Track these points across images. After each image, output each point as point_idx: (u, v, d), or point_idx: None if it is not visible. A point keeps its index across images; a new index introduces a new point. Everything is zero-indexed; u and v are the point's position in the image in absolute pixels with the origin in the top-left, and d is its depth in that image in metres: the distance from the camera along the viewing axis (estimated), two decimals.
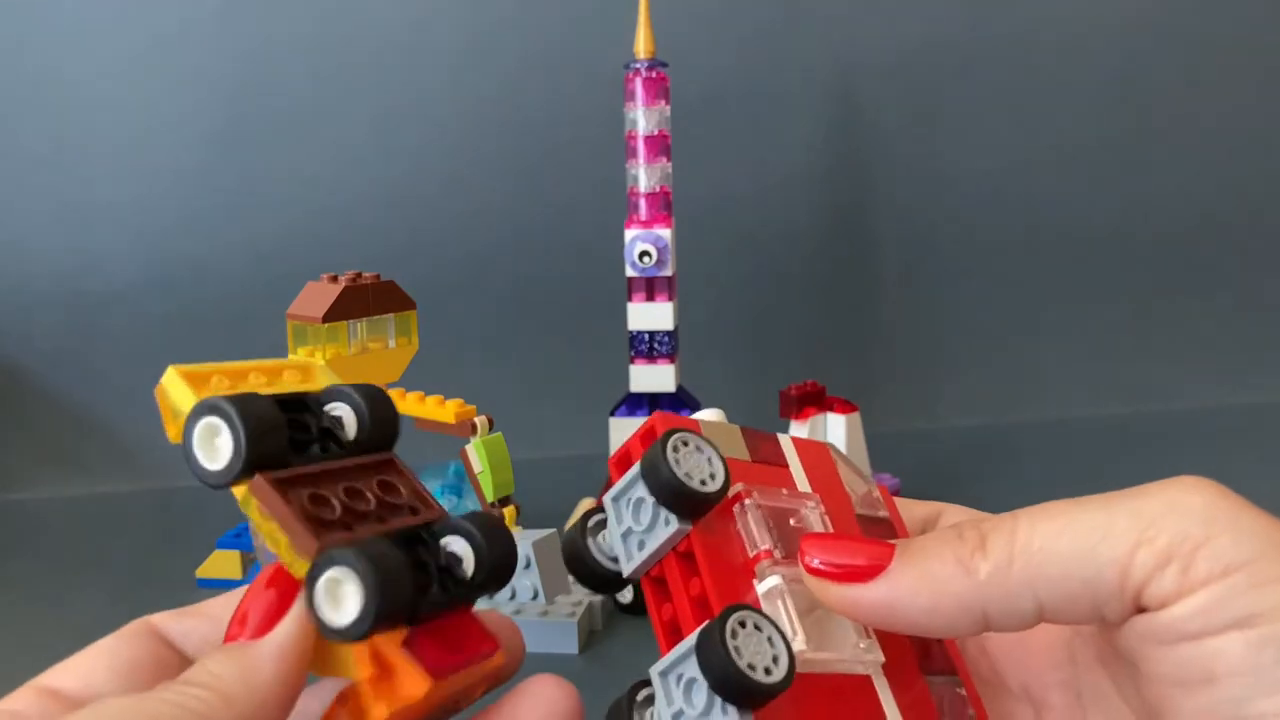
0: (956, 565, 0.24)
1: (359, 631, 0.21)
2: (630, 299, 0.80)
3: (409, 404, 0.64)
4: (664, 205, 0.80)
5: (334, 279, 0.62)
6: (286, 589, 0.22)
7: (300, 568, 0.22)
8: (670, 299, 0.79)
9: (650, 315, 0.80)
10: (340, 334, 0.62)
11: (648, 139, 0.78)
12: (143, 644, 0.23)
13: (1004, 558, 0.24)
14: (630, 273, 0.79)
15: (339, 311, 0.61)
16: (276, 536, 0.22)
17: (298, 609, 0.22)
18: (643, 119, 0.78)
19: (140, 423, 1.03)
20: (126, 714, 0.20)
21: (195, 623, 0.25)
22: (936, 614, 0.24)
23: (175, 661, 0.24)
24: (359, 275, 0.63)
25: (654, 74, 0.78)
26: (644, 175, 0.79)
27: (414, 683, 0.22)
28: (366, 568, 0.21)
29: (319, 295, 0.61)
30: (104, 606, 0.71)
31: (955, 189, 1.14)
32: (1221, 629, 0.21)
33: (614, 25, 0.92)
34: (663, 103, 0.79)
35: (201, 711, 0.20)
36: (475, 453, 0.63)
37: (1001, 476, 0.91)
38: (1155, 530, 0.22)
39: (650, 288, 0.80)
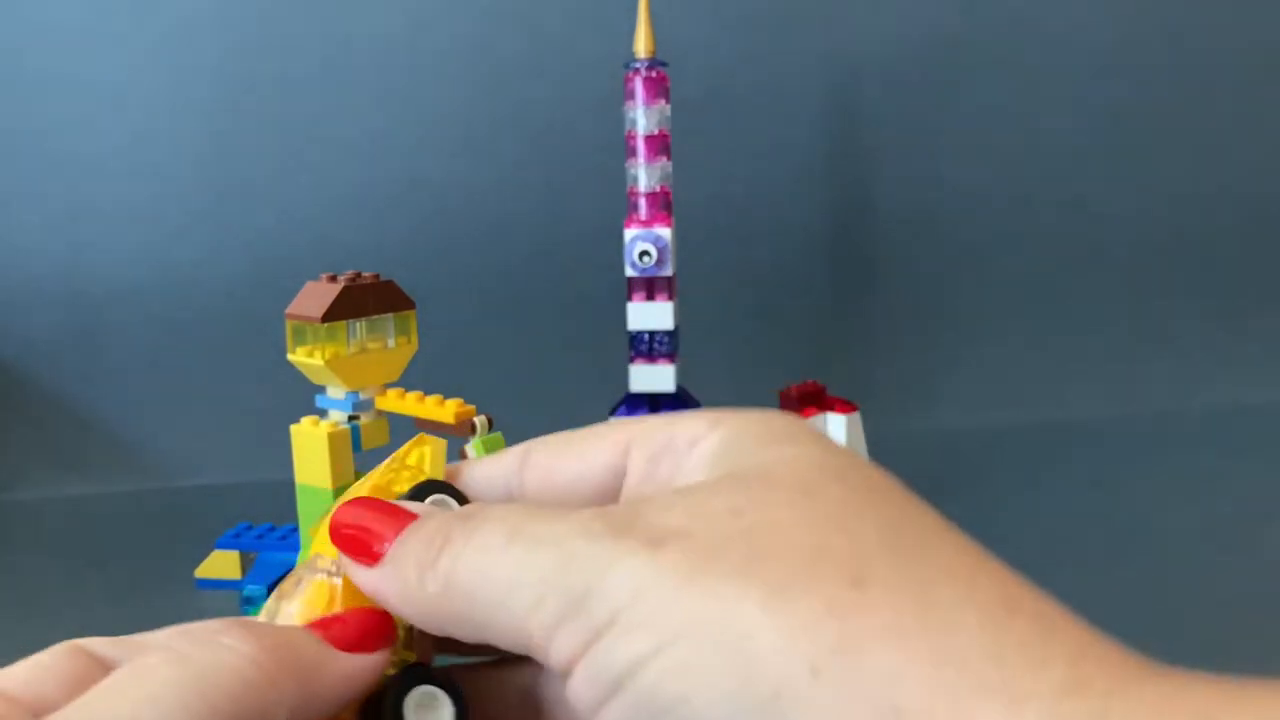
0: (416, 571, 0.21)
1: None
2: (630, 299, 0.79)
3: (409, 404, 0.64)
4: (664, 205, 0.80)
5: (333, 278, 0.62)
6: (381, 628, 0.22)
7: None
8: (670, 299, 0.79)
9: (650, 315, 0.79)
10: (339, 333, 0.62)
11: (648, 138, 0.78)
12: (81, 660, 0.22)
13: (443, 582, 0.20)
14: (630, 273, 0.79)
15: (338, 311, 0.60)
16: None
17: (378, 657, 0.21)
18: (643, 118, 0.78)
19: (140, 423, 1.03)
20: (176, 671, 0.19)
21: (130, 653, 0.23)
22: (419, 620, 0.21)
23: None
24: (358, 275, 0.63)
25: (654, 73, 0.78)
26: (644, 175, 0.79)
27: None
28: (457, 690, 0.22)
29: (318, 295, 0.61)
30: (104, 606, 0.71)
31: (956, 188, 1.14)
32: (605, 699, 0.18)
33: (614, 25, 0.92)
34: (663, 102, 0.78)
35: (259, 682, 0.19)
36: (475, 452, 0.63)
37: (1001, 476, 0.91)
38: (552, 585, 0.19)
39: (650, 288, 0.80)
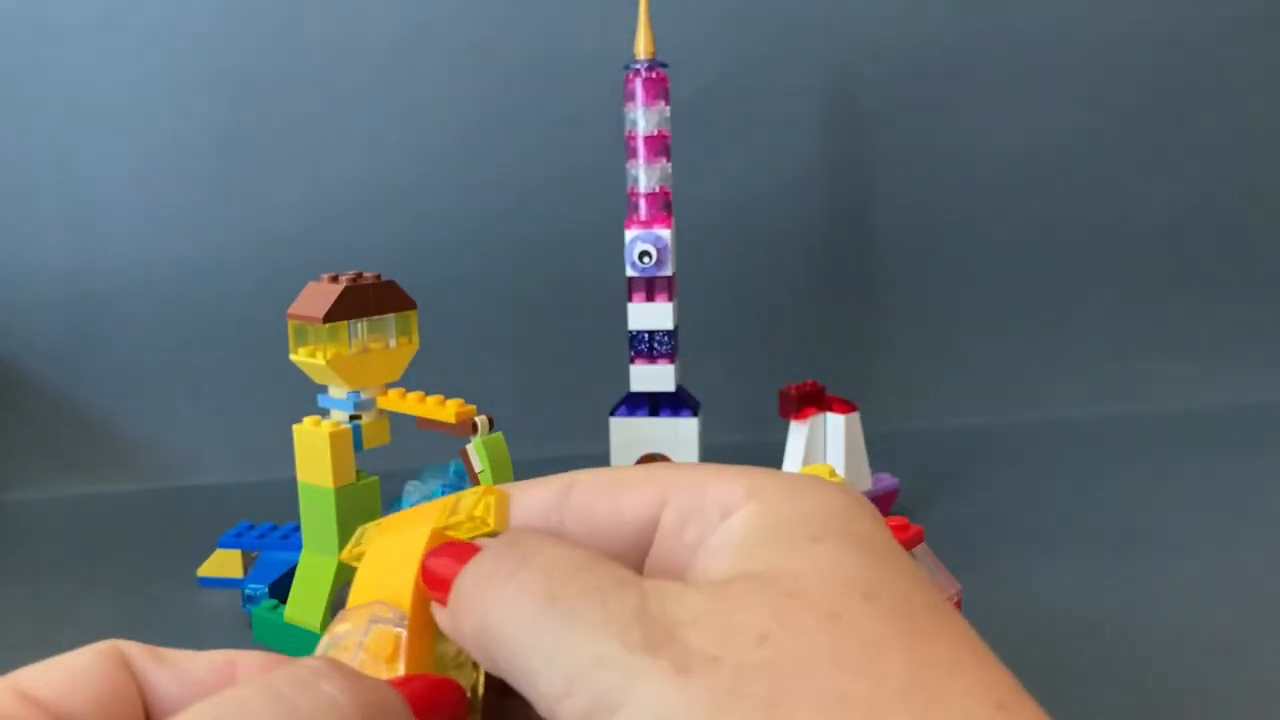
0: (466, 605, 0.21)
1: None
2: (630, 299, 0.80)
3: (409, 404, 0.64)
4: (664, 205, 0.80)
5: (335, 279, 0.62)
6: (454, 694, 0.21)
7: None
8: (670, 299, 0.79)
9: (650, 315, 0.80)
10: (341, 334, 0.62)
11: (648, 139, 0.79)
12: (117, 674, 0.22)
13: (477, 624, 0.21)
14: (630, 273, 0.79)
15: (340, 311, 0.61)
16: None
17: None
18: (643, 119, 0.78)
19: (142, 423, 1.03)
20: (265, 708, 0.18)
21: (166, 675, 0.23)
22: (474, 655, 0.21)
23: (139, 704, 0.22)
24: (360, 275, 0.63)
25: (654, 74, 0.78)
26: (644, 175, 0.79)
27: None
28: None
29: (320, 295, 0.61)
30: (104, 606, 0.71)
31: (956, 188, 1.14)
32: None
33: (614, 25, 0.92)
34: (663, 103, 0.79)
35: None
36: (476, 452, 0.63)
37: (1001, 476, 0.91)
38: (583, 682, 0.19)
39: (650, 288, 0.80)
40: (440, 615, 0.22)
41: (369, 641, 0.22)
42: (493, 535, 0.23)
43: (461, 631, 0.21)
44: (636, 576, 0.21)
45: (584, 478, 0.24)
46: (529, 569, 0.21)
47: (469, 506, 0.24)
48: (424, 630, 0.22)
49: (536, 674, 0.19)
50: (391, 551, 0.23)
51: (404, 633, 0.22)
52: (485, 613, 0.20)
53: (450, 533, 0.23)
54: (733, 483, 0.22)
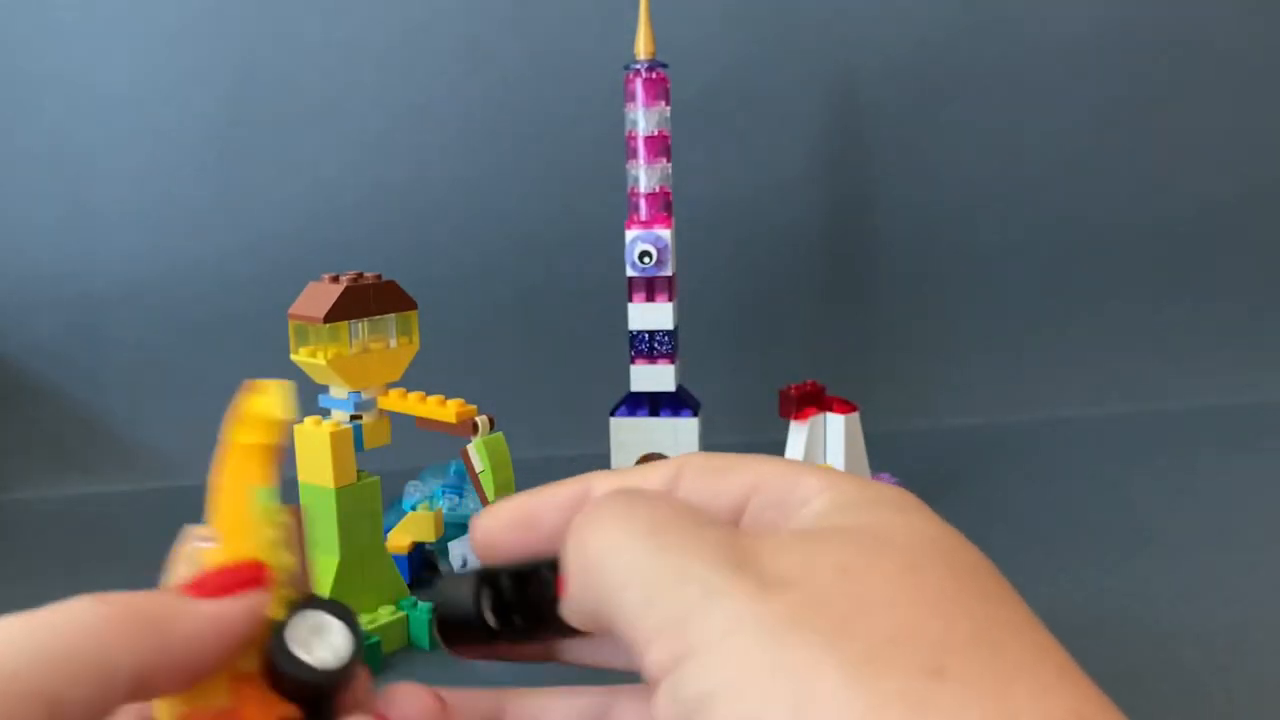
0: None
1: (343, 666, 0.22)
2: (630, 299, 0.80)
3: (410, 404, 0.64)
4: (664, 205, 0.80)
5: (335, 279, 0.62)
6: (251, 579, 0.23)
7: (280, 605, 0.23)
8: (670, 299, 0.79)
9: (650, 315, 0.80)
10: (341, 334, 0.62)
11: (648, 139, 0.79)
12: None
13: (580, 543, 0.23)
14: (630, 273, 0.79)
15: (340, 311, 0.61)
16: (270, 549, 0.23)
17: (256, 602, 0.22)
18: (643, 119, 0.78)
19: (141, 423, 1.03)
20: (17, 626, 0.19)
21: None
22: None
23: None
24: (360, 275, 0.63)
25: (654, 74, 0.78)
26: (644, 175, 0.79)
27: (285, 708, 0.22)
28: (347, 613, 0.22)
29: (320, 295, 0.61)
30: None
31: (955, 188, 1.14)
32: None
33: (614, 25, 0.92)
34: (663, 103, 0.79)
35: (105, 633, 0.20)
36: (476, 452, 0.63)
37: (1001, 476, 0.91)
38: (664, 594, 0.20)
39: (650, 288, 0.80)
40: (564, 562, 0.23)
41: (180, 558, 0.24)
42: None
43: (571, 574, 0.22)
44: (732, 525, 0.23)
45: (694, 460, 0.26)
46: (635, 513, 0.22)
47: (254, 409, 0.25)
48: (239, 538, 0.24)
49: (626, 592, 0.20)
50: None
51: (209, 546, 0.23)
52: (593, 548, 0.22)
53: (244, 440, 0.25)
54: (817, 475, 0.24)
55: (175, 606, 0.21)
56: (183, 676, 0.21)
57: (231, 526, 0.24)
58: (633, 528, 0.21)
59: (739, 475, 0.25)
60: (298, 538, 0.24)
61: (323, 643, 0.22)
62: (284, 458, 0.26)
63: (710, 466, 0.25)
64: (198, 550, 0.24)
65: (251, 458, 0.25)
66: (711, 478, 0.25)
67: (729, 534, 0.21)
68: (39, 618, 0.20)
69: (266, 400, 0.25)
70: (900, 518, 0.22)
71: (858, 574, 0.19)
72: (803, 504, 0.23)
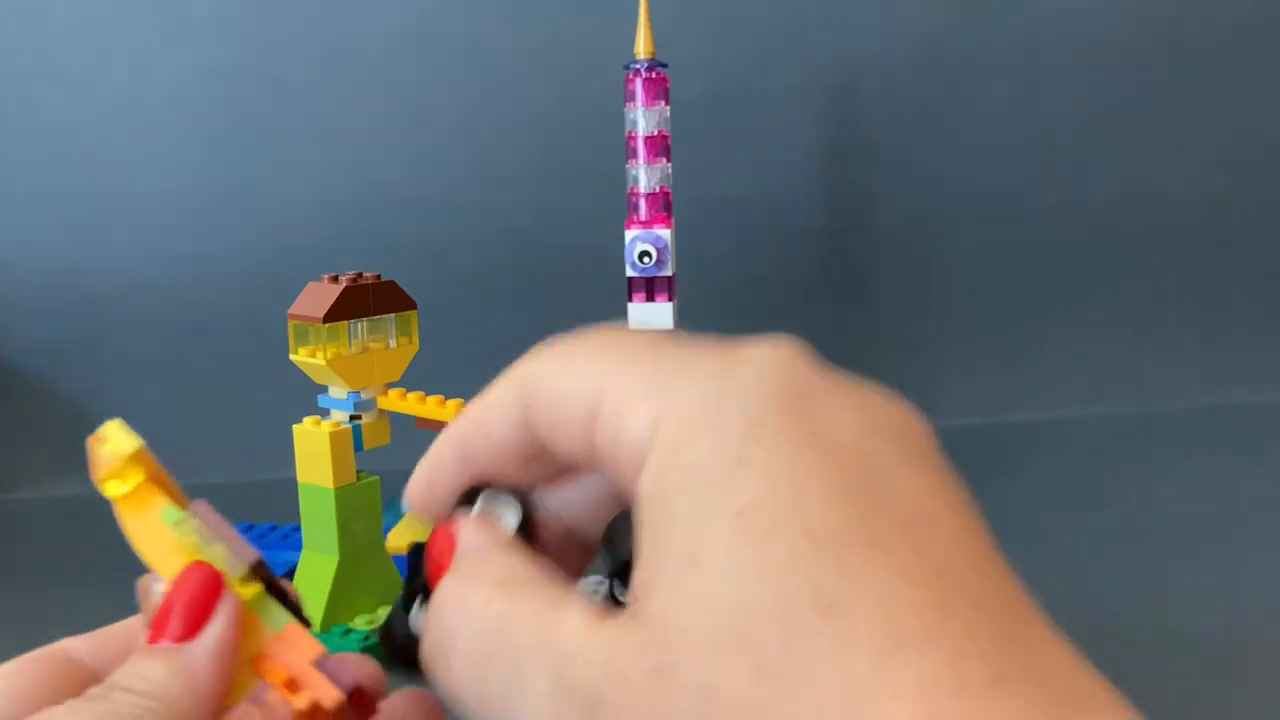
0: None
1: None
2: (630, 299, 0.80)
3: (409, 404, 0.64)
4: (664, 205, 0.80)
5: (335, 279, 0.62)
6: (208, 591, 0.23)
7: (240, 582, 0.24)
8: (670, 299, 0.79)
9: (650, 315, 0.80)
10: (341, 334, 0.62)
11: (648, 139, 0.79)
12: (51, 666, 0.23)
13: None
14: (630, 273, 0.79)
15: (340, 311, 0.61)
16: (200, 550, 0.24)
17: (227, 607, 0.23)
18: (643, 119, 0.78)
19: (141, 423, 1.03)
20: None
21: (105, 642, 0.25)
22: None
23: (87, 681, 0.23)
24: (360, 275, 0.63)
25: (654, 74, 0.78)
26: (644, 176, 0.79)
27: (327, 691, 0.23)
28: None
29: (320, 295, 0.61)
30: (104, 606, 0.71)
31: (956, 188, 1.14)
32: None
33: (614, 25, 0.92)
34: (663, 103, 0.79)
35: (141, 718, 0.20)
36: None
37: (1001, 476, 0.91)
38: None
39: (650, 288, 0.80)
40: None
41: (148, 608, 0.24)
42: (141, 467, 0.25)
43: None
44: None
45: (535, 390, 0.25)
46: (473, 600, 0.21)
47: (107, 458, 0.27)
48: (175, 562, 0.25)
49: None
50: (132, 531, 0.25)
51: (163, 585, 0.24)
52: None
53: (118, 492, 0.26)
54: (648, 402, 0.21)
55: (182, 668, 0.22)
56: (212, 704, 0.22)
57: (163, 559, 0.24)
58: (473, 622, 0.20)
59: (578, 405, 0.22)
60: (215, 522, 0.25)
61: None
62: (159, 471, 0.26)
63: (552, 400, 0.24)
64: (160, 594, 0.24)
65: (134, 500, 0.26)
66: (555, 413, 0.23)
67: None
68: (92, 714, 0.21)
69: (111, 445, 0.26)
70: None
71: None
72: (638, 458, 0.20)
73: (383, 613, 0.63)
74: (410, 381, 0.66)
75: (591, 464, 0.21)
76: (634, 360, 0.22)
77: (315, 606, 0.62)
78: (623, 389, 0.21)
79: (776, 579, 0.15)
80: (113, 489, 0.25)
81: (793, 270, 1.12)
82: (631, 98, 0.78)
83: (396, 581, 0.65)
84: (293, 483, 0.63)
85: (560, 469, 0.24)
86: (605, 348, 0.23)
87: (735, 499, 0.17)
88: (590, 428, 0.21)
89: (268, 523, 0.76)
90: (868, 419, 0.19)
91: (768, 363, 0.20)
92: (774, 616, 0.15)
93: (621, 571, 0.24)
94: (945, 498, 0.19)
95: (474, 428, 0.24)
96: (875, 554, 0.16)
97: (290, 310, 0.62)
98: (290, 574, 0.68)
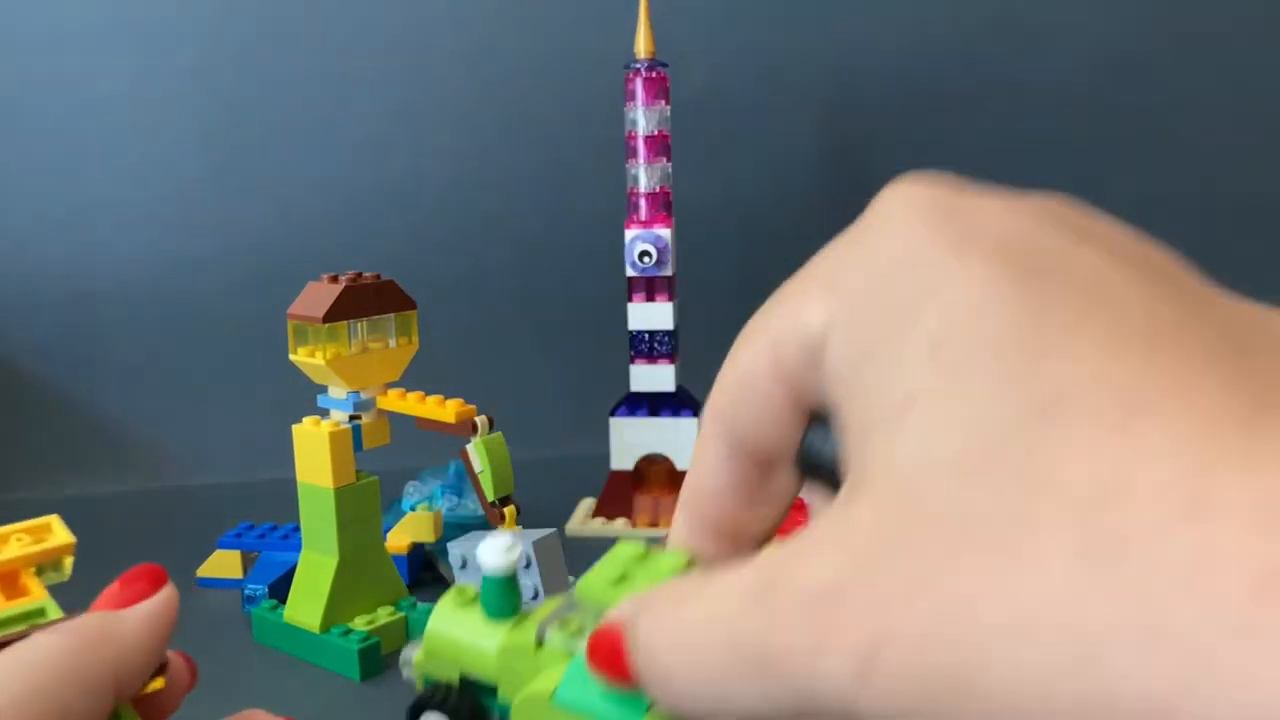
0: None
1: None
2: (630, 299, 0.80)
3: (409, 404, 0.64)
4: (664, 205, 0.80)
5: (334, 279, 0.62)
6: (144, 589, 0.26)
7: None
8: (670, 299, 0.79)
9: (650, 315, 0.80)
10: (341, 333, 0.62)
11: (648, 139, 0.79)
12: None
13: None
14: (630, 273, 0.79)
15: (339, 311, 0.61)
16: None
17: (164, 593, 0.26)
18: (643, 119, 0.78)
19: (141, 423, 1.03)
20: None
21: None
22: None
23: None
24: (359, 275, 0.63)
25: (654, 74, 0.78)
26: (644, 175, 0.79)
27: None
28: None
29: (320, 295, 0.61)
30: None
31: None
32: None
33: (614, 25, 0.92)
34: (663, 103, 0.79)
35: (74, 649, 0.23)
36: (476, 452, 0.63)
37: None
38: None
39: (650, 288, 0.80)
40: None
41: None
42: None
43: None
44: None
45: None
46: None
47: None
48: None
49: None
50: None
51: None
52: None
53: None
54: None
55: (112, 619, 0.25)
56: (144, 671, 0.25)
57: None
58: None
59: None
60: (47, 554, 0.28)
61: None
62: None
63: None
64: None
65: None
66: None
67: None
68: (8, 655, 0.23)
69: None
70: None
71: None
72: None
73: (383, 613, 0.63)
74: (410, 381, 0.66)
75: (790, 403, 0.19)
76: (776, 298, 0.20)
77: (315, 606, 0.62)
78: (779, 316, 0.19)
79: (993, 394, 0.15)
80: None
81: (793, 270, 1.12)
82: (631, 97, 0.78)
83: (397, 581, 0.65)
84: (293, 483, 0.63)
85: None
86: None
87: (921, 341, 0.16)
88: (776, 375, 0.19)
89: (268, 523, 0.76)
90: (1010, 209, 0.17)
91: (892, 207, 0.19)
92: (1005, 430, 0.14)
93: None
94: (1122, 256, 0.17)
95: (734, 405, 0.21)
96: (1074, 339, 0.15)
97: (290, 310, 0.62)
98: (290, 574, 0.68)
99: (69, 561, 0.28)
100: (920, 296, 0.16)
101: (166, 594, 0.26)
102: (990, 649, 0.13)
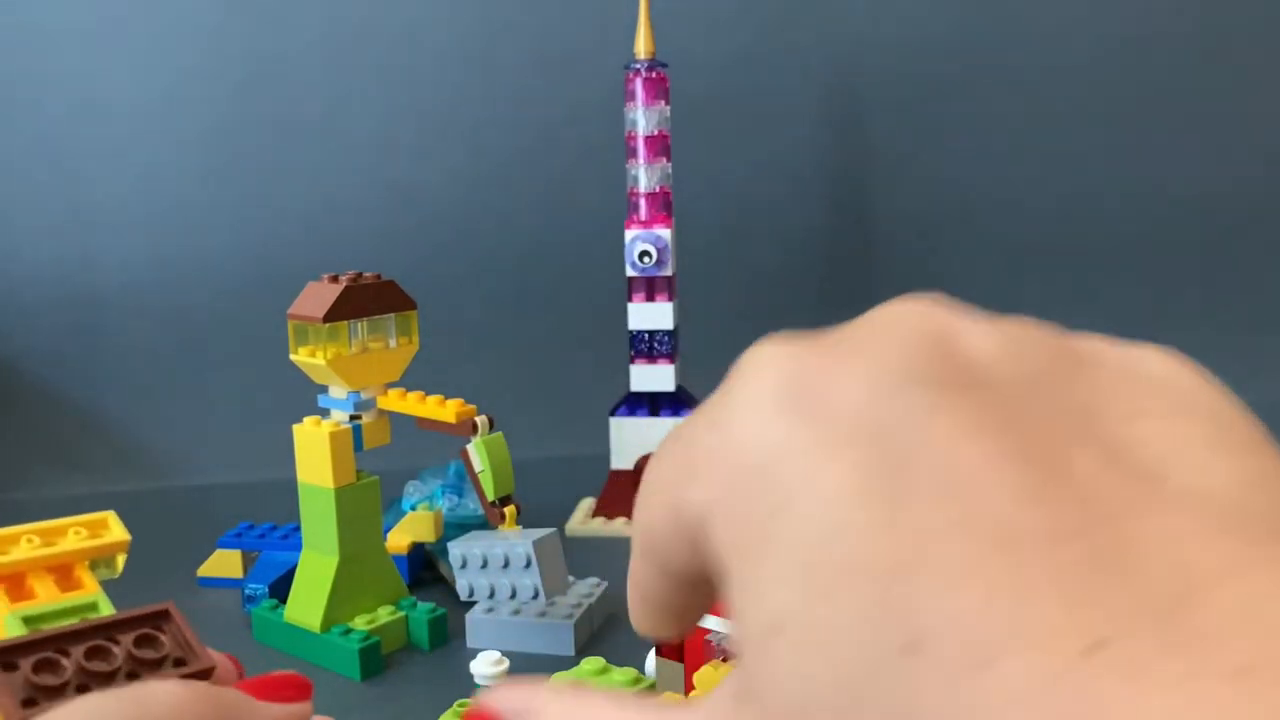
0: None
1: None
2: (630, 299, 0.80)
3: (409, 404, 0.64)
4: (664, 205, 0.80)
5: (335, 279, 0.62)
6: (290, 694, 0.26)
7: None
8: (670, 299, 0.79)
9: (650, 315, 0.80)
10: (341, 333, 0.62)
11: (648, 139, 0.79)
12: None
13: None
14: (630, 273, 0.79)
15: (340, 311, 0.61)
16: None
17: (302, 706, 0.26)
18: (643, 119, 0.78)
19: (141, 422, 1.03)
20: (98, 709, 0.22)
21: None
22: None
23: None
24: (360, 275, 0.63)
25: (654, 74, 0.78)
26: (644, 175, 0.79)
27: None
28: None
29: (320, 295, 0.61)
30: None
31: (955, 188, 1.14)
32: None
33: (614, 25, 0.92)
34: (663, 103, 0.79)
35: (205, 715, 0.23)
36: (476, 452, 0.63)
37: None
38: None
39: (650, 288, 0.80)
40: None
41: None
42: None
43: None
44: None
45: None
46: None
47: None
48: None
49: None
50: None
51: None
52: None
53: None
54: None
55: (247, 703, 0.24)
56: None
57: None
58: None
59: None
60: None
61: None
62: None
63: None
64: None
65: None
66: None
67: None
68: (126, 696, 0.22)
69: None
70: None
71: None
72: None
73: (383, 612, 0.63)
74: (410, 381, 0.66)
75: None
76: (660, 453, 0.20)
77: (315, 606, 0.62)
78: (672, 484, 0.19)
79: (858, 630, 0.15)
80: None
81: (793, 270, 1.12)
82: (631, 97, 0.78)
83: (397, 581, 0.65)
84: (293, 483, 0.63)
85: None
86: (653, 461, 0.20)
87: (785, 561, 0.16)
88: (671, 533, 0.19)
89: (268, 523, 0.76)
90: (870, 375, 0.17)
91: (746, 386, 0.19)
92: (871, 669, 0.14)
93: None
94: (997, 425, 0.15)
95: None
96: (930, 568, 0.14)
97: (290, 310, 0.62)
98: (290, 574, 0.68)
99: (122, 559, 0.28)
100: (780, 505, 0.16)
101: (304, 708, 0.26)
102: None
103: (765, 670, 0.16)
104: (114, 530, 0.28)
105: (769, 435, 0.17)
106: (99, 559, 0.27)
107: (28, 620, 0.25)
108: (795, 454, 0.16)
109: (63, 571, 0.26)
